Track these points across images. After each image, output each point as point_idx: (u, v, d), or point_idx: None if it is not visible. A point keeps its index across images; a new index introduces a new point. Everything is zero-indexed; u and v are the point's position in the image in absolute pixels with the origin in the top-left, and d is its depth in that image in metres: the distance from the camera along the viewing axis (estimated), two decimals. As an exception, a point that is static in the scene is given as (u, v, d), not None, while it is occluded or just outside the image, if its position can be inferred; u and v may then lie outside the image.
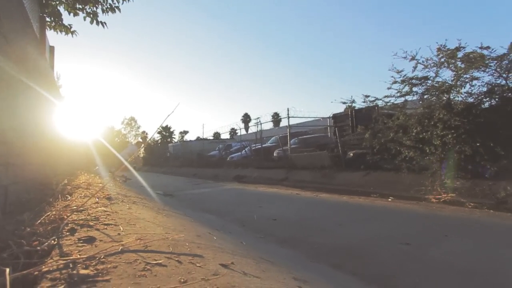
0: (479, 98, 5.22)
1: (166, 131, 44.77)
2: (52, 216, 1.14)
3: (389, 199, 5.08)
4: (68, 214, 1.19)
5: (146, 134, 44.00)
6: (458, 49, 5.18)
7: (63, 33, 5.36)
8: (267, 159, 11.98)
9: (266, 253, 1.69)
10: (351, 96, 7.47)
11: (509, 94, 4.80)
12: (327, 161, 8.92)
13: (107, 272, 0.63)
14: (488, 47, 5.02)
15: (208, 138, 29.27)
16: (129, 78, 75.28)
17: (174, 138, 44.39)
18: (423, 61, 5.61)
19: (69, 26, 5.31)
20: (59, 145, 4.19)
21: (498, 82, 4.94)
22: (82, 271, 0.63)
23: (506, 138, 4.64)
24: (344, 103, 7.51)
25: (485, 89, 5.08)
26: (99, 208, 1.46)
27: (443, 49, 5.38)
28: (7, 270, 0.58)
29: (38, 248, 0.81)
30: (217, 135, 31.54)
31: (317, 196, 5.72)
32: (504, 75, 4.88)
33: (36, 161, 2.70)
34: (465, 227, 3.03)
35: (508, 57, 4.83)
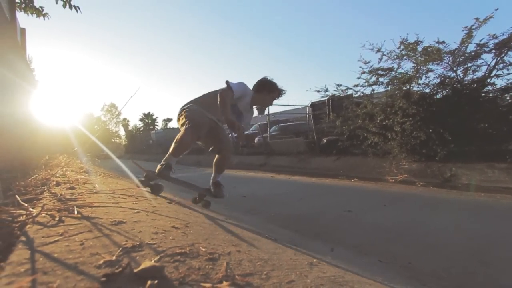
0: (434, 89, 5.78)
1: (148, 118, 43.90)
2: (40, 178, 1.43)
3: (352, 180, 5.61)
4: (53, 177, 1.48)
5: (128, 121, 42.97)
6: (417, 43, 5.65)
7: (35, 15, 5.31)
8: (248, 145, 12.35)
9: (221, 212, 2.06)
10: (325, 85, 7.88)
11: (458, 85, 5.36)
12: (303, 147, 9.43)
13: (85, 199, 0.95)
14: (443, 42, 5.52)
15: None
16: (106, 64, 72.21)
17: (157, 125, 43.67)
18: (387, 53, 6.07)
19: (40, 9, 5.26)
20: (36, 129, 4.30)
21: (449, 74, 5.49)
22: (67, 197, 0.94)
23: (453, 125, 5.23)
24: (318, 91, 7.90)
25: (438, 80, 5.63)
26: (79, 176, 1.75)
27: (405, 42, 5.84)
28: (17, 196, 0.89)
29: (33, 192, 1.11)
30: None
31: (289, 178, 6.18)
32: (454, 68, 5.43)
33: (13, 144, 2.87)
34: (404, 200, 3.56)
35: (459, 52, 5.36)
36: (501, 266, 1.63)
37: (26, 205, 0.77)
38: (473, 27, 4.96)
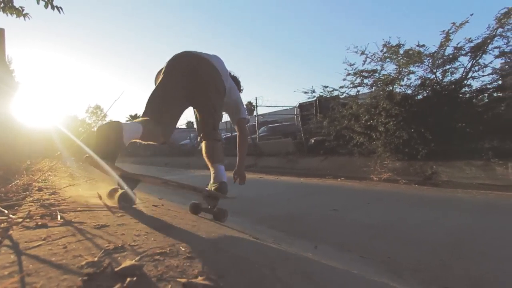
0: (416, 90, 6.00)
1: (135, 120, 43.14)
2: (21, 183, 1.41)
3: (339, 179, 5.73)
4: (35, 182, 1.47)
5: (114, 123, 41.94)
6: (399, 46, 5.85)
7: (14, 15, 5.15)
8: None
9: (207, 215, 2.08)
10: (312, 86, 8.03)
11: (437, 87, 5.59)
12: (292, 147, 9.53)
13: (67, 203, 0.96)
14: (423, 45, 5.74)
15: (180, 127, 28.73)
16: (90, 65, 70.56)
17: (145, 127, 42.94)
18: (371, 56, 6.26)
19: (20, 9, 5.10)
20: (17, 133, 4.17)
21: (429, 76, 5.72)
22: (50, 201, 0.95)
23: (433, 125, 5.45)
24: (305, 92, 8.03)
25: (419, 82, 5.85)
26: (63, 181, 1.73)
27: (387, 45, 6.04)
28: (-3, 202, 0.89)
29: (14, 198, 1.11)
30: (190, 124, 31.02)
31: (277, 179, 6.25)
32: (434, 70, 5.66)
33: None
34: (387, 197, 3.69)
35: (438, 54, 5.59)
36: (477, 259, 1.73)
37: (6, 211, 0.78)
38: (450, 31, 5.20)
